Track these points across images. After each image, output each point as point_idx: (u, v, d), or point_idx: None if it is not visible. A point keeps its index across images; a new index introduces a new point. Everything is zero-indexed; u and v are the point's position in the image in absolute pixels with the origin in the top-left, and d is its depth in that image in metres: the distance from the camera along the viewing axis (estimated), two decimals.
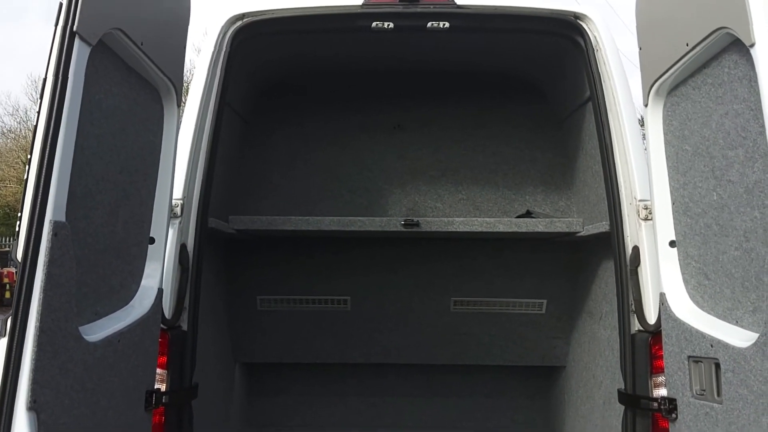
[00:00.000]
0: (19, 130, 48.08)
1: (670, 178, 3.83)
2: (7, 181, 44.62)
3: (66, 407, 3.12)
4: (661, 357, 3.95)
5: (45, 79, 3.01)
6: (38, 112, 2.98)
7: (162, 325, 4.14)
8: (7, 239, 39.42)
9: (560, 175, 6.49)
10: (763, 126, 2.93)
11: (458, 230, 5.76)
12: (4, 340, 2.90)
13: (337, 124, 6.64)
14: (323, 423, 7.04)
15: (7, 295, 31.76)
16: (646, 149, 4.17)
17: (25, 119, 45.70)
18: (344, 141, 6.62)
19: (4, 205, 44.37)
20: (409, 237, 6.26)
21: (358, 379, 7.09)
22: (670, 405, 3.76)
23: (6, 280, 32.46)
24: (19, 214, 2.94)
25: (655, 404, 4.05)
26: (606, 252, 5.27)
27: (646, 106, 4.00)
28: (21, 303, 2.88)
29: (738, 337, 3.22)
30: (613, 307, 4.94)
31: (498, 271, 6.57)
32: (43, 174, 2.94)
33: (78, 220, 3.19)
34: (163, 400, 4.16)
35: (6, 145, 48.66)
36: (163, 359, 4.27)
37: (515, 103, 6.60)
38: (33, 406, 2.90)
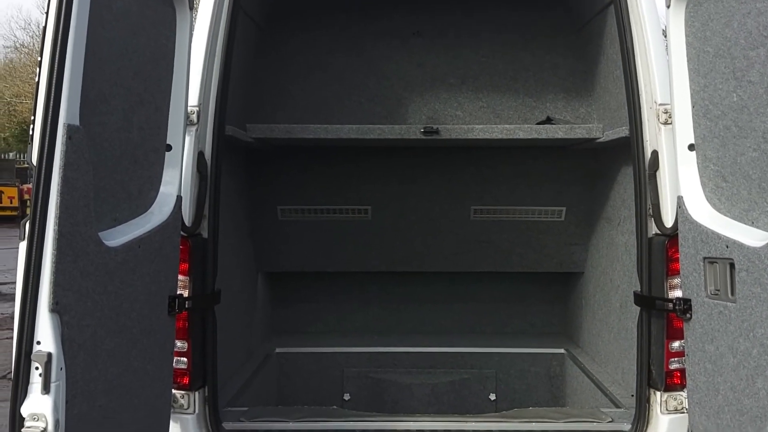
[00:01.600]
0: (32, 44, 47.77)
1: (691, 80, 3.76)
2: (23, 97, 44.56)
3: (89, 309, 3.18)
4: (677, 259, 3.96)
5: None
6: (46, 13, 2.94)
7: (182, 233, 4.18)
8: (26, 155, 39.76)
9: (581, 82, 6.40)
10: None
11: (478, 137, 5.73)
12: (24, 244, 2.95)
13: (354, 31, 6.54)
14: (345, 329, 7.18)
15: (28, 211, 32.33)
16: (667, 52, 4.09)
17: (37, 33, 45.32)
18: (362, 48, 6.53)
19: (21, 121, 44.42)
20: (429, 146, 6.24)
21: (379, 286, 7.19)
22: (684, 305, 3.78)
23: (27, 197, 32.96)
24: (32, 118, 2.95)
25: (670, 305, 4.10)
26: (625, 158, 5.24)
27: (668, 7, 3.90)
28: (39, 206, 2.91)
29: (753, 237, 3.22)
30: (631, 213, 4.93)
31: (518, 180, 6.56)
32: (55, 76, 2.92)
33: (92, 125, 3.18)
34: (186, 305, 4.24)
35: (20, 60, 48.42)
36: (185, 266, 4.32)
37: (536, 8, 6.46)
38: (56, 308, 2.96)
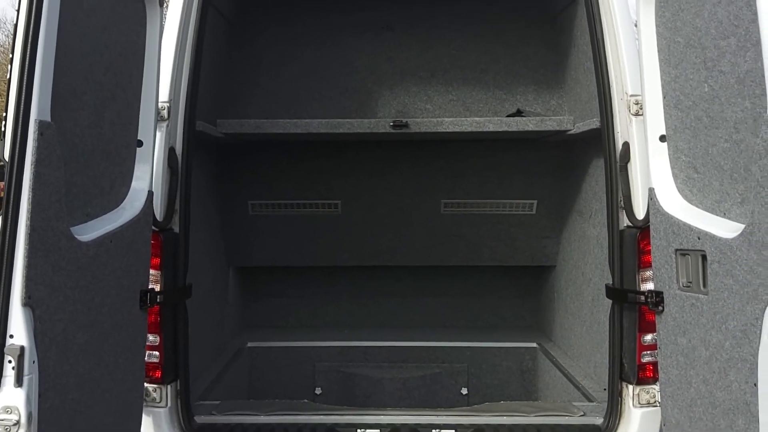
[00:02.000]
0: (6, 43, 47.06)
1: (662, 71, 3.79)
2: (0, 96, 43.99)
3: (61, 304, 3.16)
4: (649, 252, 3.98)
5: None
6: (17, 9, 2.93)
7: (154, 227, 4.16)
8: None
9: (552, 74, 6.43)
10: (755, 13, 2.89)
11: (448, 130, 5.73)
12: None
13: (324, 24, 6.51)
14: (316, 323, 7.17)
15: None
16: (637, 43, 4.12)
17: (12, 33, 44.72)
18: (332, 42, 6.51)
19: None
20: (399, 139, 6.24)
21: (349, 281, 7.18)
22: (656, 298, 3.80)
23: (0, 194, 32.51)
24: (4, 114, 2.93)
25: (642, 297, 4.11)
26: (596, 150, 5.27)
27: None
28: (11, 202, 2.90)
29: (725, 228, 3.25)
30: (602, 205, 4.96)
31: (488, 173, 6.57)
32: (26, 72, 2.91)
33: (64, 120, 3.17)
34: (158, 299, 4.23)
35: None
36: (157, 260, 4.31)
37: (507, 0, 6.48)
38: (28, 302, 2.95)
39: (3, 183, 2.92)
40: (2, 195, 2.96)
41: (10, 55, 2.96)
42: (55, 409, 3.16)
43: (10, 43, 3.02)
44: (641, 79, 3.94)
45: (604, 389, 4.72)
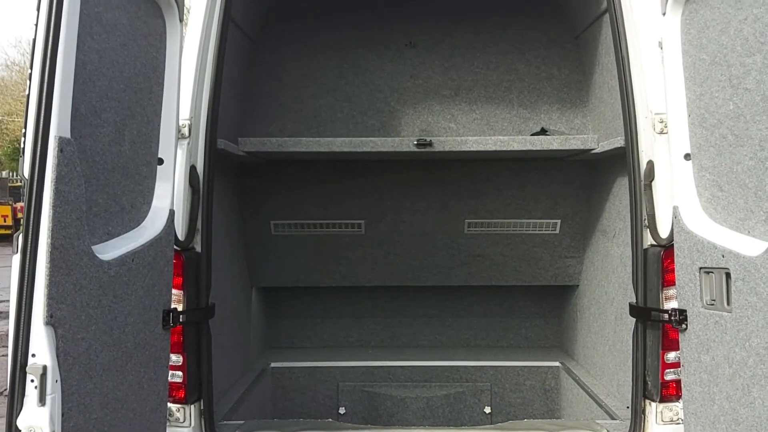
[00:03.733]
0: (23, 62, 47.70)
1: (687, 89, 3.76)
2: (15, 115, 44.43)
3: (83, 323, 3.15)
4: (673, 270, 3.95)
5: None
6: (36, 24, 2.93)
7: (175, 247, 4.15)
8: (18, 168, 39.64)
9: (576, 92, 6.41)
10: None
11: (472, 149, 5.72)
12: (18, 256, 2.92)
13: (346, 42, 6.53)
14: (340, 343, 7.16)
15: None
16: (662, 61, 4.09)
17: (28, 51, 45.26)
18: (354, 60, 6.53)
19: (13, 140, 44.27)
20: (422, 158, 6.23)
21: (373, 301, 7.17)
22: (680, 316, 3.76)
23: (20, 215, 32.82)
24: (23, 131, 2.92)
25: (666, 315, 4.08)
26: (620, 169, 5.23)
27: (663, 15, 3.90)
28: (31, 220, 2.89)
29: (749, 246, 3.22)
30: (626, 225, 4.93)
31: (512, 193, 6.55)
32: (45, 89, 2.90)
33: (84, 137, 3.16)
34: (181, 319, 4.22)
35: (11, 78, 48.31)
36: (179, 280, 4.31)
37: (530, 18, 6.47)
38: (50, 321, 2.93)
39: (22, 204, 2.93)
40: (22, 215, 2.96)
41: (29, 71, 2.94)
42: (78, 429, 3.14)
43: (29, 59, 3.02)
44: (666, 97, 3.92)
45: (627, 407, 4.68)
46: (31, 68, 2.93)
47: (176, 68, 4.06)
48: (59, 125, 2.95)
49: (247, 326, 6.47)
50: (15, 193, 37.66)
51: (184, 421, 4.38)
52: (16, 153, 43.31)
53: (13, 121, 44.80)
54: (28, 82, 2.94)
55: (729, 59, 3.36)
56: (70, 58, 3.01)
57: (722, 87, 3.42)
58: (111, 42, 3.40)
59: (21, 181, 2.94)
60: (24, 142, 2.92)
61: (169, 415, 4.29)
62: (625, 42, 4.50)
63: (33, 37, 2.94)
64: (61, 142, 2.95)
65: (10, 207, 34.28)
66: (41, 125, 2.90)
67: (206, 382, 4.49)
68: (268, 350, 7.06)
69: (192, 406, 4.40)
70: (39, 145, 2.89)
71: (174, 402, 4.35)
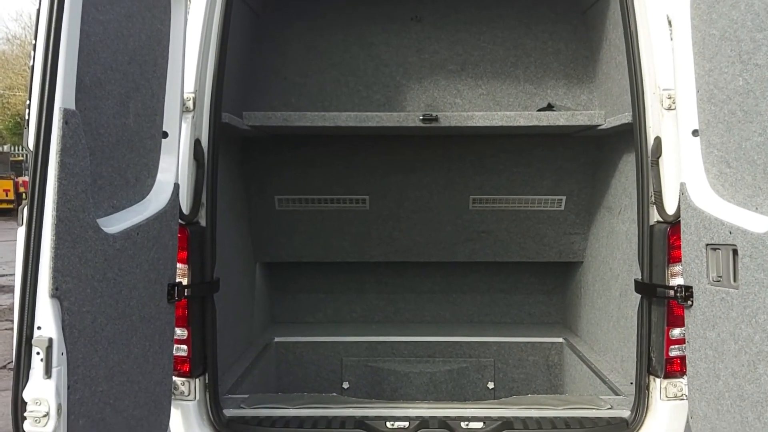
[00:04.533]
0: (24, 36, 47.50)
1: (696, 64, 3.72)
2: (17, 89, 44.31)
3: (89, 296, 3.16)
4: (679, 247, 3.93)
5: None
6: None
7: (180, 221, 4.15)
8: (20, 148, 39.59)
9: (582, 68, 6.36)
10: None
11: (478, 125, 5.69)
12: (23, 229, 2.92)
13: (352, 15, 6.47)
14: (344, 318, 7.18)
15: (25, 198, 32.24)
16: (671, 36, 4.06)
17: (29, 25, 45.01)
18: (359, 34, 6.48)
19: (15, 114, 44.17)
20: (427, 134, 6.20)
21: (377, 276, 7.18)
22: (686, 292, 3.76)
23: (22, 189, 32.84)
24: (28, 102, 2.91)
25: (672, 292, 4.08)
26: (627, 146, 5.21)
27: None
28: (36, 192, 2.88)
29: (757, 222, 3.20)
30: (632, 201, 4.91)
31: (518, 169, 6.53)
32: (50, 60, 2.88)
33: (88, 109, 3.15)
34: (186, 293, 4.23)
35: (12, 52, 48.12)
36: (184, 254, 4.31)
37: None
38: (55, 293, 2.94)
39: (27, 174, 2.92)
40: (27, 184, 2.95)
41: (33, 42, 2.91)
42: (84, 401, 3.16)
43: (30, 32, 3.00)
44: (674, 73, 3.88)
45: (631, 383, 4.69)
46: (36, 39, 2.91)
47: (181, 41, 4.03)
48: (64, 97, 2.93)
49: (251, 301, 6.48)
50: (17, 168, 37.67)
51: (188, 394, 4.40)
52: (18, 127, 43.22)
53: (14, 95, 44.67)
54: (32, 53, 2.92)
55: (739, 34, 3.32)
56: (75, 29, 2.98)
57: (732, 62, 3.39)
58: (115, 13, 3.38)
59: (24, 154, 2.93)
60: (28, 114, 2.91)
61: (174, 388, 4.30)
62: (634, 17, 4.46)
63: (37, 8, 2.92)
64: (66, 114, 2.94)
65: (12, 181, 34.31)
66: (46, 97, 2.88)
67: (211, 355, 4.51)
68: (272, 325, 7.08)
69: (197, 380, 4.41)
70: (44, 117, 2.88)
71: (179, 375, 4.35)
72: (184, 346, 4.36)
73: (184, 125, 4.21)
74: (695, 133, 3.75)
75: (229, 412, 4.57)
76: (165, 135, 3.98)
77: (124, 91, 3.48)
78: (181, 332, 4.31)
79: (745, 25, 3.26)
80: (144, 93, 3.69)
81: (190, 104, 4.34)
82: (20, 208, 2.95)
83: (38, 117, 2.88)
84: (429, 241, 6.79)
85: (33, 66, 2.91)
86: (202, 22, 4.46)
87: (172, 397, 4.21)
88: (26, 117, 2.92)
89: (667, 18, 4.26)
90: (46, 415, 2.96)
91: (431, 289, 7.22)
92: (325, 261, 6.96)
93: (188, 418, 4.41)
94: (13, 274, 3.14)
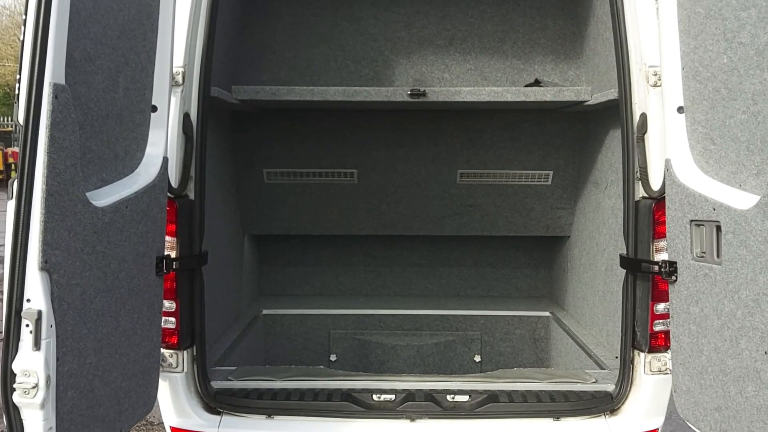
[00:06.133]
0: (13, 6, 47.00)
1: (681, 42, 3.75)
2: (5, 60, 43.91)
3: (78, 269, 3.19)
4: (664, 222, 3.98)
5: None
6: None
7: (169, 194, 4.17)
8: (9, 119, 39.26)
9: (570, 44, 6.38)
10: None
11: (465, 100, 5.71)
12: (12, 203, 2.94)
13: None
14: (332, 291, 7.22)
15: (13, 175, 31.94)
16: (657, 14, 4.07)
17: None
18: (348, 8, 6.47)
19: (4, 84, 43.82)
20: (416, 109, 6.22)
21: (365, 250, 7.21)
22: (670, 268, 3.81)
23: (11, 160, 32.60)
24: (18, 77, 2.92)
25: (656, 267, 4.11)
26: (613, 122, 5.24)
27: None
28: (26, 166, 2.90)
29: (740, 199, 3.24)
30: (618, 176, 4.95)
31: (505, 144, 6.56)
32: (40, 35, 2.89)
33: (78, 84, 3.16)
34: (174, 266, 4.25)
35: (2, 23, 47.66)
36: (172, 227, 4.32)
37: None
38: (44, 266, 2.97)
39: (17, 148, 2.93)
40: (18, 158, 2.97)
41: (24, 16, 2.92)
42: (73, 373, 3.20)
43: (20, 8, 3.01)
44: (660, 50, 3.91)
45: (616, 357, 4.75)
46: (26, 14, 2.91)
47: (170, 15, 4.03)
48: (54, 72, 2.95)
49: (239, 273, 6.51)
50: (6, 138, 37.35)
51: (176, 366, 4.43)
52: (8, 98, 42.85)
53: (4, 65, 44.25)
54: (22, 28, 2.92)
55: (724, 13, 3.34)
56: (65, 4, 2.99)
57: (716, 40, 3.41)
58: None
59: (14, 127, 2.95)
60: (19, 89, 2.92)
61: (162, 360, 4.33)
62: None
63: None
64: (56, 89, 2.95)
65: (0, 152, 34.06)
66: (36, 72, 2.89)
67: (199, 328, 4.53)
68: (260, 297, 7.12)
69: (185, 352, 4.44)
70: (34, 92, 2.89)
71: (167, 348, 4.37)
72: (172, 319, 4.38)
73: (173, 99, 4.21)
74: (680, 110, 3.78)
75: (216, 384, 4.61)
76: (154, 109, 3.98)
77: (113, 65, 3.48)
78: (169, 305, 4.33)
79: (730, 3, 3.28)
80: (133, 67, 3.70)
81: (179, 78, 4.33)
82: (10, 182, 2.97)
83: (28, 91, 2.90)
84: (417, 214, 6.82)
85: (23, 41, 2.92)
86: None
87: (160, 369, 4.25)
88: (16, 91, 2.93)
89: None
90: (35, 386, 2.99)
91: (419, 263, 7.27)
92: (313, 234, 6.99)
93: (176, 390, 4.44)
94: (2, 245, 3.16)
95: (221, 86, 5.24)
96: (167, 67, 4.03)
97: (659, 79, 4.12)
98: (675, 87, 3.79)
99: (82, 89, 3.22)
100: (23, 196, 2.91)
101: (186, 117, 4.41)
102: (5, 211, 3.00)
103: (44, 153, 2.93)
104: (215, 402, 4.49)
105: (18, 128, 2.91)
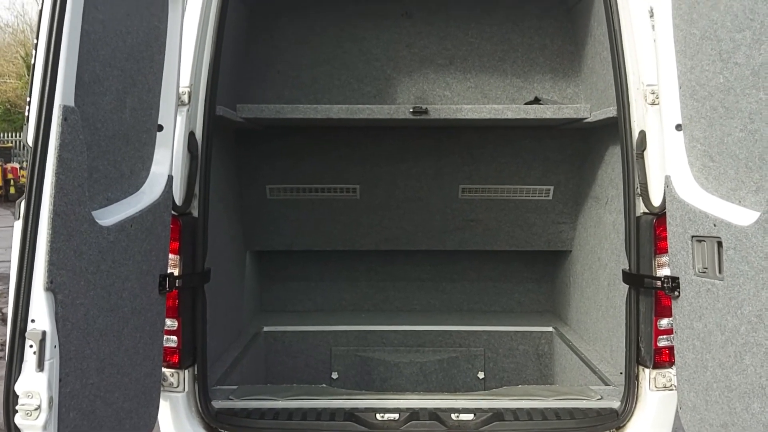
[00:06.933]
0: (16, 24, 47.30)
1: (678, 62, 3.79)
2: (7, 77, 44.09)
3: (82, 288, 3.20)
4: (665, 238, 4.01)
5: None
6: None
7: (173, 212, 4.19)
8: (9, 135, 39.32)
9: (568, 63, 6.43)
10: None
11: (466, 117, 5.76)
12: (19, 223, 2.96)
13: (343, 11, 6.52)
14: (334, 307, 7.23)
15: (12, 190, 31.94)
16: (654, 34, 4.12)
17: (21, 13, 44.82)
18: (351, 28, 6.53)
19: (5, 101, 43.96)
20: (417, 126, 6.26)
21: (367, 265, 7.23)
22: (672, 283, 3.82)
23: (10, 176, 32.58)
24: (28, 99, 2.95)
25: (659, 283, 4.14)
26: (613, 138, 5.27)
27: None
28: (34, 186, 2.92)
29: (740, 215, 3.26)
30: (618, 192, 4.98)
31: (506, 159, 6.59)
32: (51, 59, 2.93)
33: (87, 105, 3.19)
34: (177, 284, 4.26)
35: (4, 40, 47.90)
36: (175, 245, 4.34)
37: None
38: (50, 286, 2.97)
39: (17, 165, 2.96)
40: (25, 180, 3.00)
41: (35, 41, 2.96)
42: (75, 394, 3.18)
43: (22, 26, 3.06)
44: (657, 70, 3.95)
45: (621, 373, 4.74)
46: (37, 38, 2.95)
47: (177, 36, 4.08)
48: (64, 94, 2.98)
49: (240, 290, 6.52)
50: (5, 154, 37.33)
51: (177, 386, 4.41)
52: (8, 114, 42.97)
53: (5, 82, 44.40)
54: (33, 51, 2.96)
55: (719, 34, 3.39)
56: (76, 29, 3.03)
57: (713, 61, 3.45)
58: (115, 12, 3.43)
59: (15, 143, 2.97)
60: (29, 111, 2.95)
61: (163, 380, 4.32)
62: (617, 14, 4.52)
63: (39, 8, 2.97)
64: (65, 111, 2.98)
65: (0, 167, 34.03)
66: (46, 94, 2.93)
67: (200, 347, 4.53)
68: (261, 314, 7.13)
69: (186, 371, 4.43)
70: (43, 114, 2.92)
71: (168, 367, 4.35)
72: (174, 337, 4.37)
73: (179, 118, 4.25)
74: (678, 127, 3.82)
75: (217, 404, 4.59)
76: (160, 128, 4.02)
77: (121, 86, 3.52)
78: (171, 323, 4.33)
79: (725, 25, 3.33)
80: (141, 88, 3.74)
81: (185, 98, 4.38)
82: (17, 202, 2.99)
83: (38, 114, 2.93)
84: (419, 229, 6.85)
85: (34, 63, 2.96)
86: (198, 17, 4.50)
87: (161, 388, 4.23)
88: (26, 113, 2.97)
89: (650, 9, 4.32)
90: (38, 408, 2.96)
91: (421, 278, 7.28)
92: (315, 249, 7.01)
93: (177, 411, 4.43)
94: (7, 261, 3.19)
95: (226, 105, 5.28)
96: (174, 87, 4.08)
97: (657, 98, 4.17)
98: (673, 105, 3.83)
99: (91, 110, 3.25)
100: (30, 217, 2.93)
101: (191, 135, 4.45)
102: (4, 226, 3.02)
103: (52, 173, 2.95)
104: (216, 422, 4.47)
105: (27, 149, 2.94)
